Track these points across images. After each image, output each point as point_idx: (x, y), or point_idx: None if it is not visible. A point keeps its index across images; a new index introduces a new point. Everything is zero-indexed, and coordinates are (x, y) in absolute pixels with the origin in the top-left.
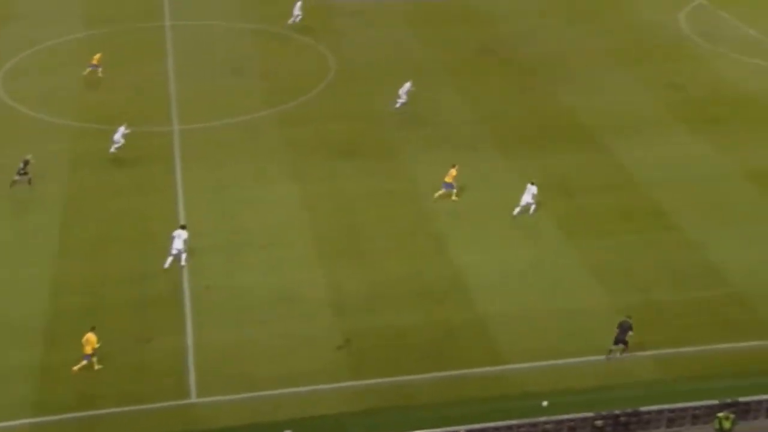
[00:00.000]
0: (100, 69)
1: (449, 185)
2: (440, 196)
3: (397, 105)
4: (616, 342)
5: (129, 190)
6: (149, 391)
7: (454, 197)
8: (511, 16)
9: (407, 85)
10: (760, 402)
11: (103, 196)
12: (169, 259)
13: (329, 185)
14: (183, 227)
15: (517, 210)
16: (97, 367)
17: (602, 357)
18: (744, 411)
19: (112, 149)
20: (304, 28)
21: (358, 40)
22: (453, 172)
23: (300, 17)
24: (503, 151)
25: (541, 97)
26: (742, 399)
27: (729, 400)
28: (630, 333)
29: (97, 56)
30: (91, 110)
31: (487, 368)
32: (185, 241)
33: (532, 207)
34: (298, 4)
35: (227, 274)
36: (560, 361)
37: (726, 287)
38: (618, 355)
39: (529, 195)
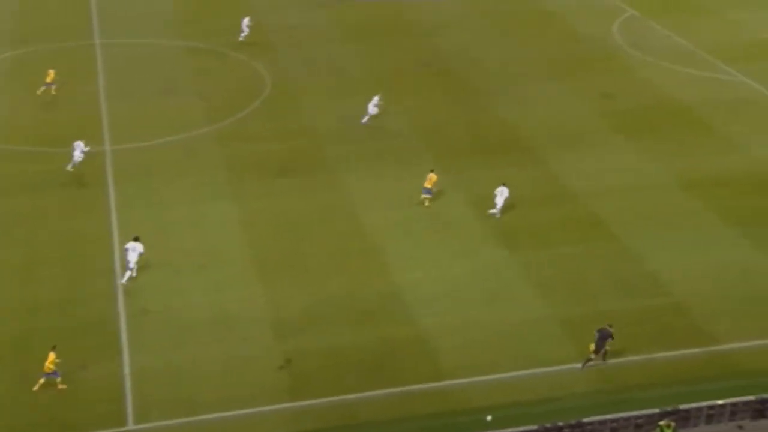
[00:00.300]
0: (54, 87)
1: (428, 191)
2: (425, 201)
3: (365, 119)
4: (597, 350)
5: (60, 212)
6: (85, 419)
7: (426, 203)
8: (448, 29)
9: (375, 99)
10: (699, 409)
11: (33, 219)
12: (127, 274)
13: (268, 203)
14: (136, 239)
15: (493, 211)
16: (60, 386)
17: (547, 369)
18: (684, 418)
19: (70, 167)
20: (239, 45)
21: (293, 55)
22: (432, 177)
23: (247, 33)
24: (442, 165)
25: (478, 109)
26: (682, 406)
27: (670, 408)
28: (610, 340)
29: (51, 73)
30: (19, 131)
31: (430, 384)
32: (140, 254)
33: (498, 209)
34: (246, 19)
35: (165, 295)
36: (503, 375)
37: (666, 296)
38: (598, 361)
39: (501, 197)
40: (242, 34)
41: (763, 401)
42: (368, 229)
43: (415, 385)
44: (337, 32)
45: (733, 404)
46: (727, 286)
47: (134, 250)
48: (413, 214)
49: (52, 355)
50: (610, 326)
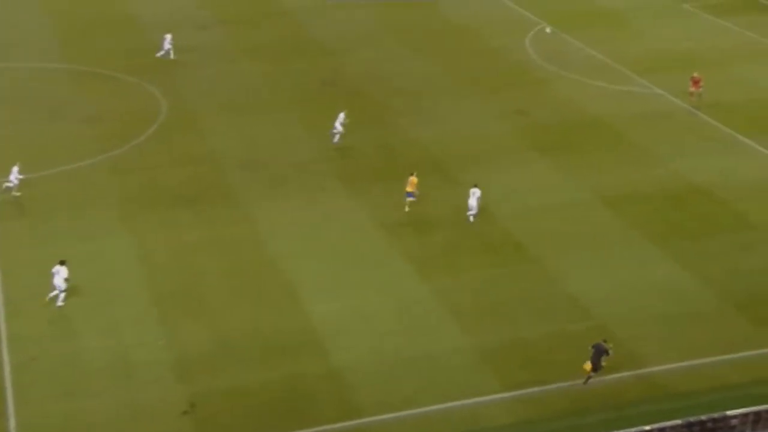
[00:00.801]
0: None
1: (411, 194)
2: (408, 206)
3: (335, 140)
4: (594, 368)
5: None
6: None
7: (407, 208)
8: (355, 46)
9: (341, 116)
10: None
11: None
12: (58, 294)
13: (167, 235)
14: (62, 263)
15: (471, 213)
16: None
17: (467, 401)
18: None
19: (12, 192)
20: (130, 67)
21: (190, 77)
22: (413, 180)
23: (171, 51)
24: (352, 189)
25: (388, 130)
26: None
27: None
28: (606, 356)
29: None
30: None
31: (346, 423)
32: (66, 280)
33: (474, 211)
34: (168, 36)
35: (55, 340)
36: (423, 409)
37: (589, 319)
38: (591, 379)
39: (474, 198)
40: (160, 53)
41: (690, 424)
42: (276, 259)
43: (330, 424)
44: (237, 52)
45: (661, 429)
46: (650, 306)
47: (58, 273)
48: (323, 242)
49: None
50: (605, 341)
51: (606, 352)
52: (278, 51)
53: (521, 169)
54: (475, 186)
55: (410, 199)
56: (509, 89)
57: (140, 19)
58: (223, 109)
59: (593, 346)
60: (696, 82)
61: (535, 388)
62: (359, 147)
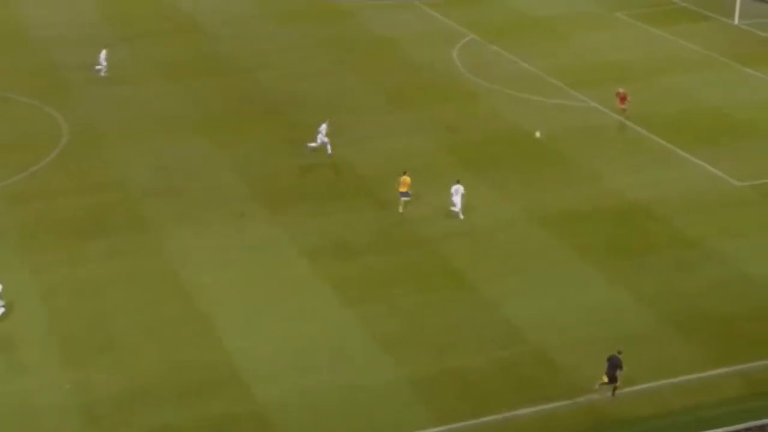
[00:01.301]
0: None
1: (406, 194)
2: (403, 206)
3: (326, 149)
4: (610, 380)
5: None
6: None
7: (401, 208)
8: (273, 61)
9: (323, 126)
10: None
11: None
12: None
13: (71, 271)
14: None
15: (454, 210)
16: None
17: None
18: None
19: None
20: (26, 88)
21: (94, 98)
22: (406, 179)
23: (105, 67)
24: (273, 214)
25: (311, 150)
26: None
27: None
28: (620, 371)
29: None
30: None
31: None
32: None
33: (458, 208)
34: (103, 52)
35: None
36: None
37: (526, 344)
38: (609, 394)
39: (458, 196)
40: (100, 68)
41: None
42: (191, 292)
43: None
44: (143, 70)
45: None
46: (589, 329)
47: None
48: (242, 272)
49: None
50: (620, 353)
51: (620, 365)
52: (188, 68)
53: (448, 187)
54: (458, 182)
55: (405, 199)
56: (437, 105)
57: (36, 36)
58: (129, 132)
59: (608, 359)
60: (622, 99)
61: (473, 420)
62: (281, 169)
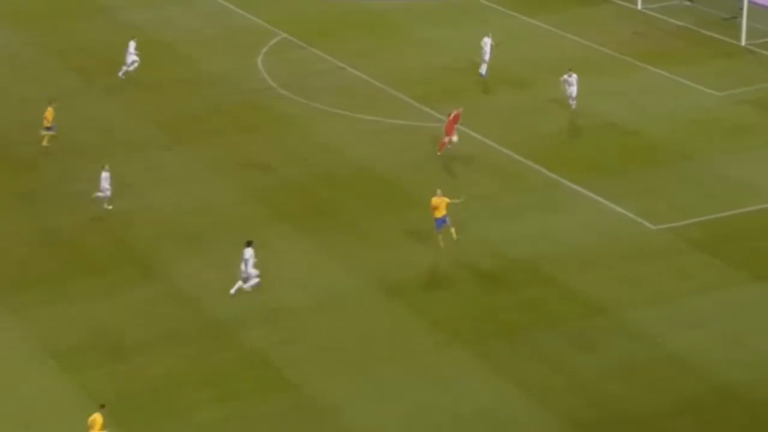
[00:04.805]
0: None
1: (443, 220)
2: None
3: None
4: None
5: None
6: None
7: (441, 243)
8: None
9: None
10: None
11: None
12: None
13: None
14: None
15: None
16: None
17: None
18: None
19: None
20: None
21: None
22: (445, 200)
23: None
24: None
25: (62, 203)
26: None
27: None
28: None
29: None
30: None
31: None
32: None
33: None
34: (132, 44)
35: None
36: None
37: None
38: None
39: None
40: (130, 67)
41: None
42: None
43: None
44: None
45: None
46: None
47: None
48: None
49: (99, 419)
50: None
51: None
52: None
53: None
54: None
55: (445, 225)
56: (237, 134)
57: None
58: None
59: None
60: (453, 122)
61: None
62: (10, 235)
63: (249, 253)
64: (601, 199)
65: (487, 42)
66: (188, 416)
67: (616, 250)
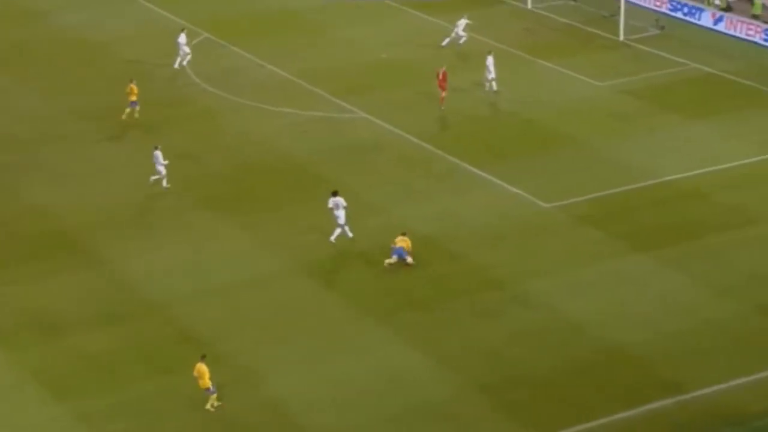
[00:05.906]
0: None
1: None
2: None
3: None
4: None
5: None
6: None
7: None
8: None
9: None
10: None
11: None
12: None
13: None
14: None
15: (340, 229)
16: (216, 403)
17: None
18: None
19: None
20: None
21: None
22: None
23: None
24: None
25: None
26: None
27: None
28: None
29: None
30: None
31: None
32: None
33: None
34: (462, 21)
35: None
36: None
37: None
38: None
39: (340, 210)
40: (183, 60)
41: None
42: None
43: None
44: None
45: None
46: (372, 403)
47: None
48: None
49: (203, 368)
50: None
51: None
52: None
53: (187, 238)
54: (335, 194)
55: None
56: (164, 126)
57: None
58: None
59: None
60: (444, 80)
61: None
62: None
63: (336, 202)
64: (498, 181)
65: (461, 24)
66: (124, 391)
67: (513, 228)
